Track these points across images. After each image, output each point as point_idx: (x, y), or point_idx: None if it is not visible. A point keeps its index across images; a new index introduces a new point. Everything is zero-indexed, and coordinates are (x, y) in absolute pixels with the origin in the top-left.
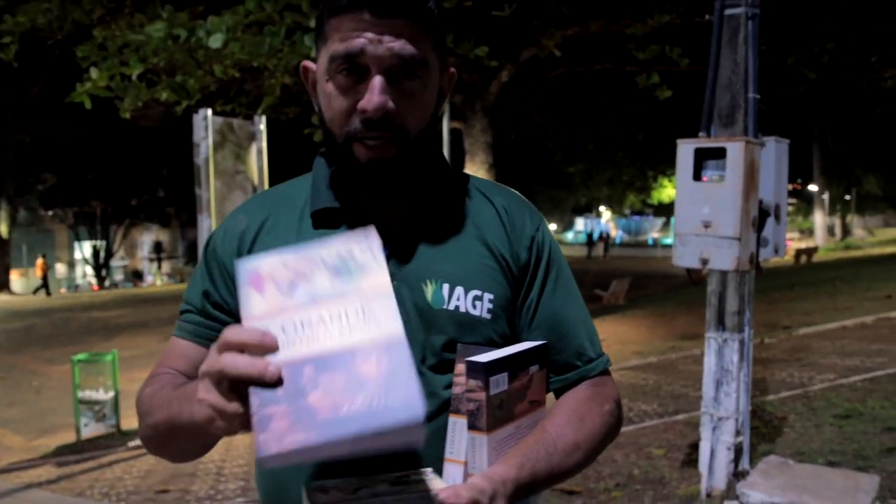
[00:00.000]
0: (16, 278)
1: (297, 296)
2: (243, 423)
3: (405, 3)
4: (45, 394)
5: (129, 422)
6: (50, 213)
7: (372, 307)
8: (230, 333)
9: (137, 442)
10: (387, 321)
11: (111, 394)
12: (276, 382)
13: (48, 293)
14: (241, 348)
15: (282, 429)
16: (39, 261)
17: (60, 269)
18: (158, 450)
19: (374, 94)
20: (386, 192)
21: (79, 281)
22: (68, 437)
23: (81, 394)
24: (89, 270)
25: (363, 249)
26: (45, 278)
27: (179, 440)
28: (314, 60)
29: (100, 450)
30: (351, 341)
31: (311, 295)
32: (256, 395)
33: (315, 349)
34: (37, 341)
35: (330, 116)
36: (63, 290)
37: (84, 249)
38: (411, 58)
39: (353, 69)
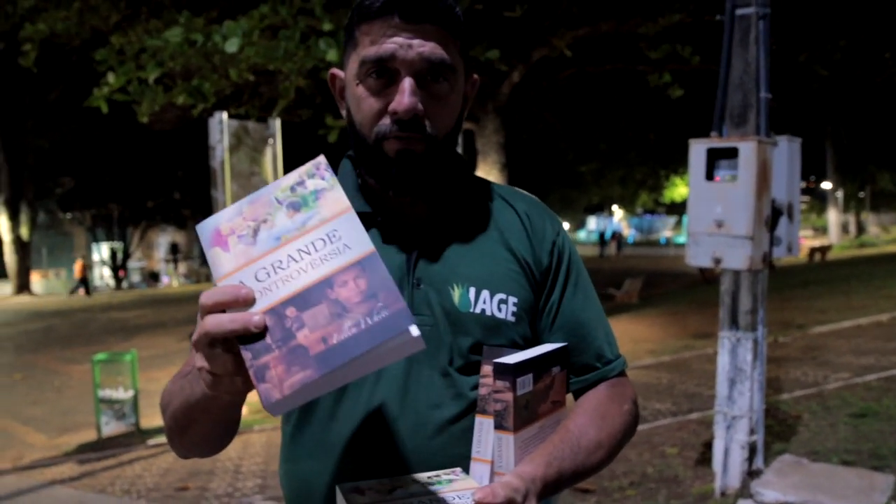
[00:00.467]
0: (36, 280)
1: (262, 241)
2: (245, 380)
3: (434, 9)
4: (66, 393)
5: (149, 420)
6: (69, 215)
7: (336, 231)
8: (205, 297)
9: (157, 440)
10: (353, 240)
11: (131, 393)
12: (262, 331)
13: (88, 292)
14: (221, 308)
15: (279, 374)
16: (79, 262)
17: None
18: (182, 441)
19: (405, 95)
20: (414, 185)
21: (97, 282)
22: (89, 436)
23: (102, 393)
24: (107, 272)
25: (311, 174)
26: (84, 279)
27: (197, 422)
28: (330, 64)
29: (120, 447)
30: (324, 270)
31: (274, 236)
32: (248, 349)
33: (292, 288)
34: (57, 341)
35: (360, 119)
36: (81, 292)
37: (102, 251)
38: (440, 62)
39: (384, 72)
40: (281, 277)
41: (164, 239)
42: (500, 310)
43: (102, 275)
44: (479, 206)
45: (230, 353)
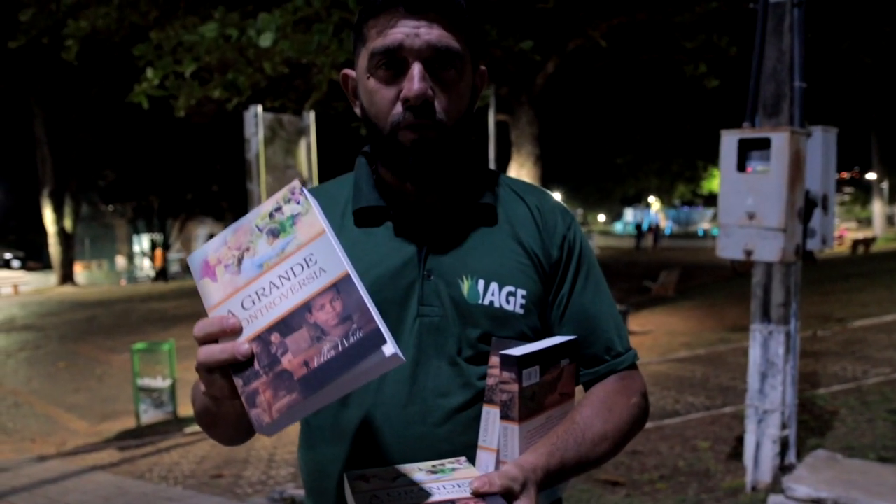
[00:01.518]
0: (79, 271)
1: (246, 270)
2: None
3: (438, 0)
4: (106, 381)
5: (186, 409)
6: (110, 207)
7: (312, 255)
8: (197, 329)
9: (193, 428)
10: (328, 263)
11: (168, 382)
12: (249, 358)
13: (166, 280)
14: (212, 339)
15: (268, 399)
16: (158, 251)
17: (120, 261)
18: (211, 434)
19: (415, 81)
20: (430, 173)
21: (137, 273)
22: (129, 423)
23: (141, 382)
24: (147, 263)
25: (287, 199)
26: (164, 268)
27: (217, 425)
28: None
29: (158, 435)
30: (303, 295)
31: (257, 264)
32: (238, 376)
33: (275, 314)
34: (99, 331)
35: (374, 111)
36: (123, 282)
37: (142, 242)
38: (446, 48)
39: (393, 62)
40: (265, 304)
41: (202, 230)
42: (508, 302)
43: (143, 266)
44: (489, 200)
45: (226, 379)
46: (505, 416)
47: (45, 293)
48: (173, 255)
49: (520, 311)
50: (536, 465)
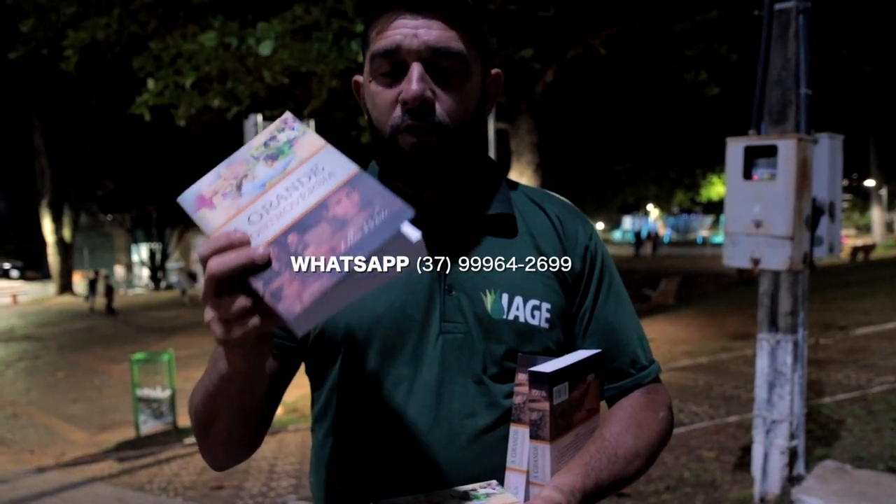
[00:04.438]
0: (78, 280)
1: (247, 192)
2: (262, 317)
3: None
4: (106, 391)
5: (185, 419)
6: (109, 217)
7: (317, 164)
8: (202, 249)
9: (193, 439)
10: (337, 167)
11: (168, 392)
12: (267, 261)
13: (115, 314)
14: (218, 253)
15: (295, 290)
16: (182, 265)
17: (119, 271)
18: (209, 443)
19: (412, 83)
20: (429, 177)
21: (136, 283)
22: (128, 434)
23: (140, 392)
24: (146, 272)
25: (280, 129)
26: (192, 274)
27: (219, 415)
28: (363, 68)
29: (158, 446)
30: (315, 198)
31: (258, 185)
32: (257, 280)
33: (287, 220)
34: (98, 341)
35: (376, 115)
36: (122, 292)
37: (141, 252)
38: (446, 49)
39: (393, 65)
40: (274, 215)
41: (200, 240)
42: (533, 316)
43: (142, 276)
44: (508, 209)
45: (239, 293)
46: (535, 436)
47: (43, 303)
48: (171, 264)
49: (545, 325)
50: (574, 487)
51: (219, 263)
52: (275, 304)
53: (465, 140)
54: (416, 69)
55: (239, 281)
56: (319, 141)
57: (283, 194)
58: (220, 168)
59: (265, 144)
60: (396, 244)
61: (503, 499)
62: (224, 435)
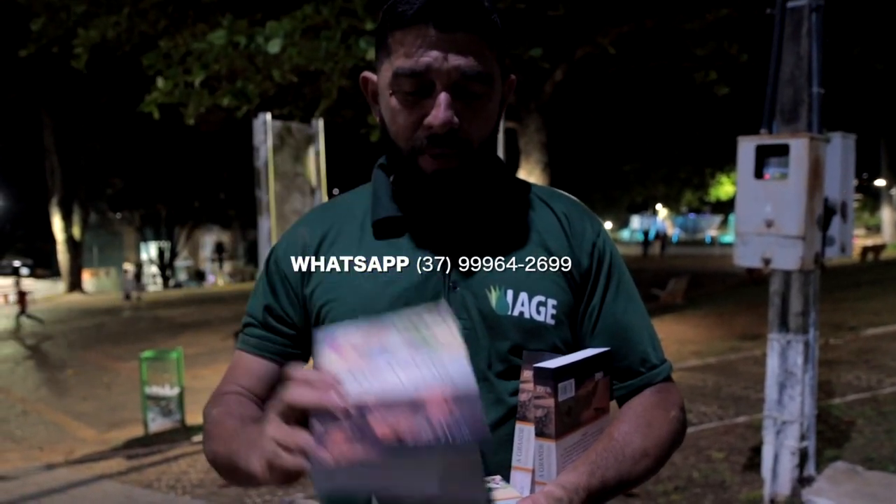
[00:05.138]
0: (87, 278)
1: (373, 356)
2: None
3: (470, 17)
4: (114, 389)
5: (194, 417)
6: (118, 215)
7: (444, 362)
8: (296, 371)
9: (201, 437)
10: (460, 378)
11: (177, 390)
12: (342, 412)
13: (41, 322)
14: (308, 384)
15: (339, 447)
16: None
17: (128, 269)
18: (219, 472)
19: (441, 110)
20: (450, 202)
21: (145, 280)
22: (137, 431)
23: (149, 390)
24: (155, 270)
25: (438, 322)
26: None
27: (236, 477)
28: (371, 66)
29: (166, 443)
30: (422, 387)
31: (385, 360)
32: (319, 421)
33: (385, 393)
34: (107, 338)
35: (395, 130)
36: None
37: (150, 250)
38: (477, 74)
39: (418, 85)
40: (377, 380)
41: (209, 238)
42: (538, 312)
43: (152, 274)
44: (516, 208)
45: (300, 425)
46: (540, 434)
47: (53, 301)
48: (180, 262)
49: (551, 321)
50: (579, 485)
51: (299, 396)
52: (316, 446)
53: (485, 155)
54: (444, 98)
55: (304, 416)
56: (458, 341)
57: (395, 370)
58: (363, 325)
59: (416, 328)
60: (458, 449)
61: (506, 493)
62: (236, 482)
